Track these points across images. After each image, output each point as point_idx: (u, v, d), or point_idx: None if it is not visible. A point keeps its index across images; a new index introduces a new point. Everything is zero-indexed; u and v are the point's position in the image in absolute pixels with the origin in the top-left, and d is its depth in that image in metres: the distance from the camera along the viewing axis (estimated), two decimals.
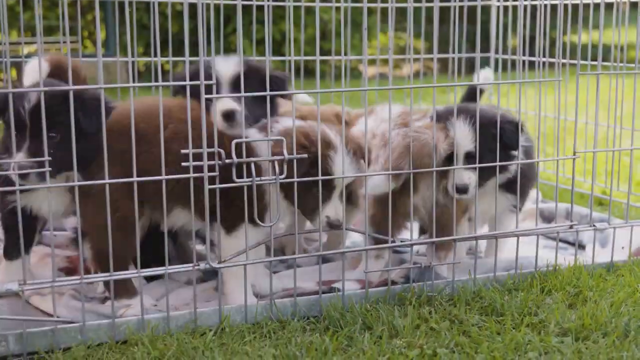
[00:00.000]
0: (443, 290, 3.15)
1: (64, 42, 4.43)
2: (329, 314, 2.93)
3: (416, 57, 4.61)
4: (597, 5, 3.90)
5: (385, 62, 10.68)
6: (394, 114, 3.19)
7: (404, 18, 3.95)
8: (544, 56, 3.70)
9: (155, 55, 3.80)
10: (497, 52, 4.89)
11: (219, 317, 2.90)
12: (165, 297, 2.96)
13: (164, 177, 2.81)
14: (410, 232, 3.25)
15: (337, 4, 4.51)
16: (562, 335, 2.78)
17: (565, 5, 3.38)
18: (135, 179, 2.77)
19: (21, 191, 2.73)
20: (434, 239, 3.24)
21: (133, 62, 4.13)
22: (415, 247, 3.34)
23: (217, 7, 3.05)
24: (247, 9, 4.31)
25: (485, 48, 4.94)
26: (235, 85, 3.07)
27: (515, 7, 4.51)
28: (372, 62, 7.75)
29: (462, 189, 3.16)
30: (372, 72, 9.58)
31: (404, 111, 3.38)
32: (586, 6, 3.63)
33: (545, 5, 3.59)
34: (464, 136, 3.16)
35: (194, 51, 2.86)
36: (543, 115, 4.55)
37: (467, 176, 3.17)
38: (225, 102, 3.05)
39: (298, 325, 2.86)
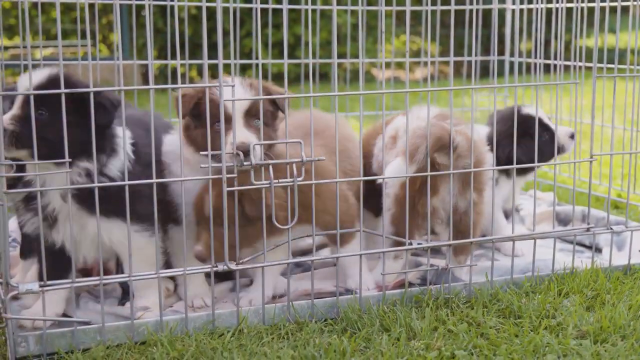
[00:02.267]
0: (460, 292, 3.15)
1: (84, 45, 4.48)
2: (346, 316, 2.93)
3: (432, 60, 4.61)
4: (613, 9, 3.90)
5: (398, 65, 10.72)
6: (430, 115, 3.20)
7: (418, 22, 3.96)
8: (559, 59, 3.71)
9: (174, 58, 3.82)
10: (512, 55, 4.89)
11: (237, 319, 2.91)
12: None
13: (182, 179, 2.83)
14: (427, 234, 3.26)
15: (354, 7, 4.52)
16: (580, 337, 2.78)
17: (581, 9, 3.38)
18: (154, 180, 2.79)
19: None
20: (451, 242, 3.23)
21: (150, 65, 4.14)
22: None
23: (232, 10, 3.06)
24: (261, 12, 4.34)
25: (500, 51, 4.95)
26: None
27: (529, 11, 4.51)
28: (386, 65, 7.76)
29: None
30: (386, 75, 9.59)
31: (441, 113, 3.38)
32: (602, 9, 3.62)
33: (561, 9, 3.58)
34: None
35: (209, 54, 2.86)
36: (560, 118, 4.55)
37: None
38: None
39: (316, 327, 2.87)
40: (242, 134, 2.88)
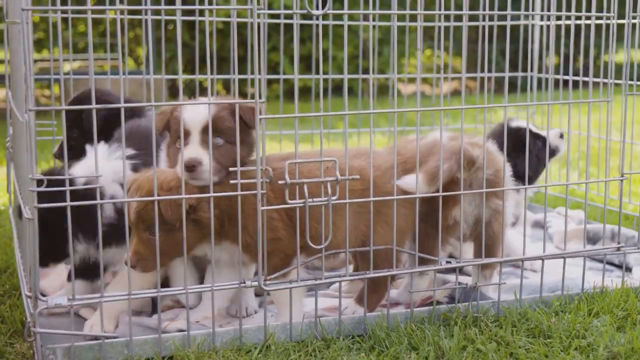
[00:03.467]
0: (488, 311, 3.12)
1: (112, 59, 4.52)
2: (374, 333, 2.92)
3: (454, 76, 4.61)
4: None
5: (424, 80, 10.69)
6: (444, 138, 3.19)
7: (444, 37, 3.95)
8: (586, 75, 3.68)
9: (201, 72, 3.84)
10: (540, 71, 4.87)
11: (264, 335, 2.90)
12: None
13: (211, 194, 2.84)
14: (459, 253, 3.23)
15: (380, 23, 4.53)
16: (611, 358, 2.74)
17: (610, 25, 3.36)
18: (183, 196, 2.80)
19: None
20: (481, 260, 3.21)
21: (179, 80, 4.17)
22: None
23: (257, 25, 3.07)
24: (287, 27, 4.35)
25: (524, 67, 4.93)
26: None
27: (557, 27, 4.49)
28: (411, 80, 7.75)
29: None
30: (411, 90, 9.58)
31: (453, 136, 3.38)
32: (632, 26, 3.59)
33: (589, 25, 3.56)
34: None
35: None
36: (587, 135, 4.51)
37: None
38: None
39: (343, 344, 2.86)
40: (191, 151, 2.89)
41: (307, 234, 2.87)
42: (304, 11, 2.72)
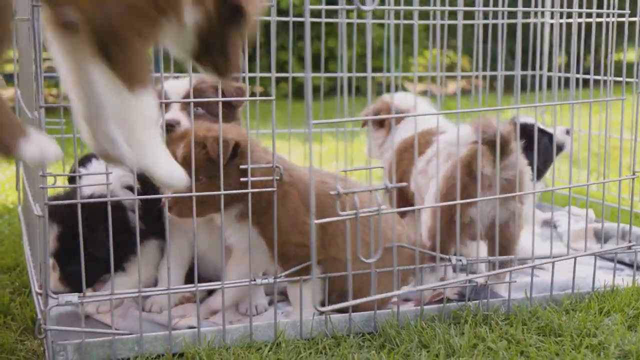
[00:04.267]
0: (499, 309, 3.11)
1: None
2: (384, 331, 2.91)
3: (464, 74, 4.58)
4: None
5: (432, 79, 10.66)
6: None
7: (452, 36, 3.94)
8: (596, 74, 3.67)
9: None
10: (550, 69, 4.85)
11: (274, 332, 2.90)
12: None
13: (222, 192, 2.84)
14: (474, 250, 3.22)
15: (389, 21, 4.50)
16: (622, 357, 2.73)
17: (621, 23, 3.35)
18: (194, 193, 2.81)
19: None
20: (492, 257, 3.19)
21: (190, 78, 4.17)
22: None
23: (266, 23, 3.06)
24: (296, 25, 4.35)
25: (533, 66, 4.91)
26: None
27: (568, 25, 4.47)
28: (421, 79, 7.73)
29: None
30: (421, 89, 9.56)
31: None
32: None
33: (600, 23, 3.54)
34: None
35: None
36: (597, 134, 4.50)
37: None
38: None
39: (353, 342, 2.85)
40: (170, 114, 3.07)
41: (359, 246, 2.72)
42: (353, 7, 2.62)
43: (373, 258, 2.70)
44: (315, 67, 10.12)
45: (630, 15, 3.40)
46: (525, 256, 3.35)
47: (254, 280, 2.89)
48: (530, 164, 3.46)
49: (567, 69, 3.38)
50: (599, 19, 3.89)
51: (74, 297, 2.75)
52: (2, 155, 2.20)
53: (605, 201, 3.52)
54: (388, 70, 5.02)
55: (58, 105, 2.77)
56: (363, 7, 2.59)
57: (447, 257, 3.10)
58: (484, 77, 4.67)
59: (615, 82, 3.50)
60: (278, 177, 2.87)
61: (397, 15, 3.88)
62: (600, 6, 3.38)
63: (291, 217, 2.95)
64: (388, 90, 5.48)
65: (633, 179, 3.35)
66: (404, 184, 2.92)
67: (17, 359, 2.81)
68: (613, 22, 3.38)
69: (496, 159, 3.05)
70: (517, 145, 3.16)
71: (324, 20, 3.04)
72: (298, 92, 5.33)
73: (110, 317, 2.86)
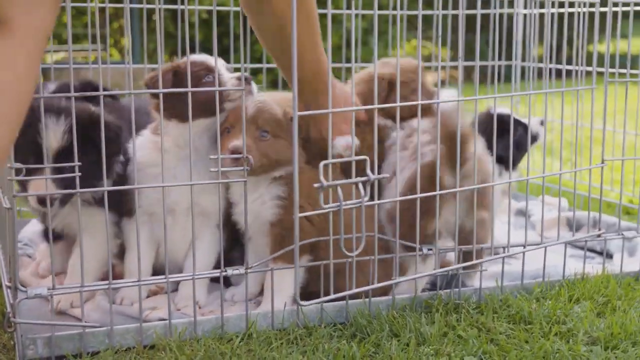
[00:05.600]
0: (470, 298, 3.13)
1: (95, 50, 4.49)
2: (355, 321, 2.92)
3: (444, 65, 4.60)
4: (625, 14, 3.89)
5: None
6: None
7: (429, 27, 3.95)
8: (569, 64, 3.69)
9: None
10: (523, 59, 4.88)
11: (246, 323, 2.90)
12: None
13: (191, 183, 2.83)
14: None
15: (363, 12, 4.52)
16: (591, 344, 2.76)
17: (592, 14, 3.37)
18: (162, 184, 2.80)
19: None
20: (459, 247, 3.18)
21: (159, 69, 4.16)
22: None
23: (244, 15, 3.06)
24: None
25: (508, 56, 4.93)
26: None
27: (540, 16, 4.50)
28: None
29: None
30: None
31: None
32: (614, 14, 3.60)
33: (581, 13, 3.56)
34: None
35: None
36: (570, 124, 4.53)
37: None
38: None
39: (325, 332, 2.86)
40: None
41: (341, 241, 2.72)
42: None
43: (356, 251, 2.75)
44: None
45: (601, 6, 3.42)
46: (498, 245, 3.36)
47: (225, 271, 2.89)
48: (499, 160, 3.48)
49: (546, 60, 3.40)
50: (570, 9, 3.93)
51: (43, 290, 2.73)
52: None
53: (577, 190, 3.55)
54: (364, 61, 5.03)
55: (35, 96, 2.74)
56: None
57: (418, 246, 3.09)
58: (457, 68, 4.68)
59: (588, 73, 3.53)
60: (248, 168, 2.86)
61: (365, 5, 3.88)
62: None
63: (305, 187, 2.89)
64: None
65: (602, 167, 3.37)
66: (386, 175, 2.90)
67: None
68: (585, 13, 3.40)
69: (456, 161, 3.00)
70: (475, 148, 3.10)
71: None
72: (274, 84, 5.32)
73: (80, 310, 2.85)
